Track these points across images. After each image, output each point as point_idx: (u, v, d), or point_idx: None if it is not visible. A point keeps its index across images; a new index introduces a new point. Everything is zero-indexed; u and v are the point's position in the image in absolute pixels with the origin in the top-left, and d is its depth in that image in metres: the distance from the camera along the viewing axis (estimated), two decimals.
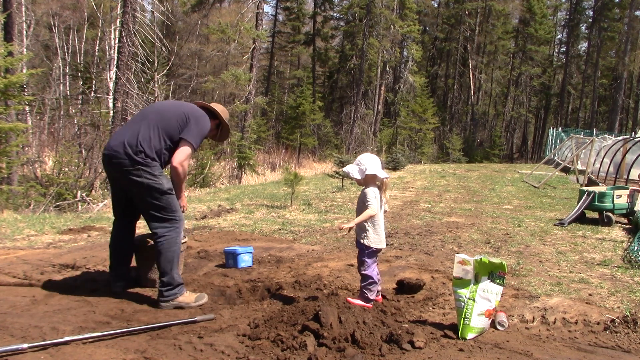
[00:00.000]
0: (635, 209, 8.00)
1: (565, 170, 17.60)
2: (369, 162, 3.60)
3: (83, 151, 15.99)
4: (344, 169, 3.79)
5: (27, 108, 19.23)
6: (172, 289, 3.57)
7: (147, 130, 3.53)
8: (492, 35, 41.10)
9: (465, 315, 3.16)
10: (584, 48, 45.61)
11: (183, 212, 3.86)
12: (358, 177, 3.62)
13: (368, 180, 3.62)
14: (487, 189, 13.07)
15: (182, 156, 3.59)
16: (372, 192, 3.59)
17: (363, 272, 3.64)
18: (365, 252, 3.65)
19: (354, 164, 3.69)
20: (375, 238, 3.65)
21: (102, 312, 3.39)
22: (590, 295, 4.22)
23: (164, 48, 15.66)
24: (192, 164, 17.94)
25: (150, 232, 3.68)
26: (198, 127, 3.65)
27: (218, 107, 3.96)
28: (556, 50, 49.60)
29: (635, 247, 5.93)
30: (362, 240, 3.65)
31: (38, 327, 3.00)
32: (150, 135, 3.53)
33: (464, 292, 3.20)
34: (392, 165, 18.27)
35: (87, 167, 14.79)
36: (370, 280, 3.63)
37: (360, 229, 3.66)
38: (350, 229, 3.57)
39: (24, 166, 14.10)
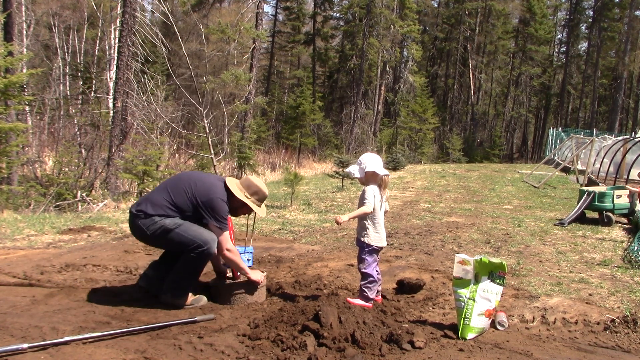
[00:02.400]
0: (635, 209, 8.00)
1: (565, 170, 17.60)
2: (369, 160, 3.65)
3: (83, 151, 15.99)
4: (347, 169, 3.86)
5: (27, 108, 19.22)
6: (182, 296, 3.63)
7: (157, 194, 3.64)
8: (492, 35, 41.06)
9: (465, 315, 3.16)
10: (584, 48, 45.65)
11: (260, 285, 3.82)
12: (359, 175, 3.68)
13: (368, 178, 3.67)
14: (487, 189, 13.07)
15: (223, 245, 3.61)
16: (370, 190, 3.63)
17: (363, 270, 3.65)
18: (365, 250, 3.67)
19: (356, 163, 3.75)
20: (376, 236, 3.67)
21: (102, 312, 3.39)
22: (590, 295, 4.22)
23: (164, 48, 15.67)
24: (192, 164, 17.95)
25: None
26: (217, 210, 3.58)
27: (238, 185, 3.77)
28: (556, 50, 49.60)
29: (635, 247, 5.93)
30: (362, 238, 3.67)
31: (38, 327, 3.00)
32: (158, 198, 3.61)
33: (464, 292, 3.20)
34: (392, 165, 18.27)
35: (87, 167, 14.79)
36: (371, 278, 3.63)
37: (361, 227, 3.69)
38: (343, 222, 3.59)
39: (24, 166, 14.10)
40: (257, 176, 19.05)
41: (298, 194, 9.85)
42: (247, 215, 4.05)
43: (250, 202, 3.73)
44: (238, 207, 3.78)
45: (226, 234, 3.64)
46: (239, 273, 3.80)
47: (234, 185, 3.72)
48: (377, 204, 3.65)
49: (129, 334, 2.98)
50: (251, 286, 3.77)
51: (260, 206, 3.82)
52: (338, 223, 3.57)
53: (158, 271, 3.78)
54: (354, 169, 3.71)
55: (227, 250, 3.64)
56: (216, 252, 3.61)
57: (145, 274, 3.84)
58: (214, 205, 3.56)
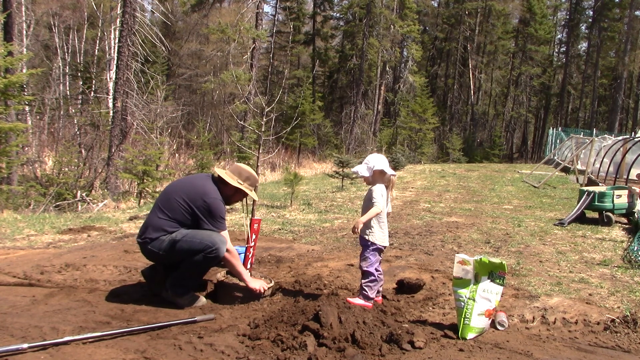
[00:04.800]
0: (635, 209, 8.00)
1: (565, 170, 17.59)
2: (376, 160, 3.67)
3: (83, 151, 15.99)
4: (353, 168, 3.86)
5: (27, 108, 19.23)
6: (184, 295, 3.65)
7: (153, 216, 3.67)
8: (492, 35, 41.05)
9: (465, 315, 3.16)
10: (584, 48, 45.64)
11: (264, 295, 3.78)
12: (366, 174, 3.69)
13: (376, 177, 3.68)
14: (487, 189, 13.07)
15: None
16: (378, 190, 3.63)
17: (365, 268, 3.65)
18: (369, 249, 3.67)
19: (362, 163, 3.75)
20: (381, 235, 3.67)
21: (102, 312, 3.39)
22: (590, 295, 4.22)
23: (163, 48, 15.68)
24: (192, 164, 17.94)
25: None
26: (215, 211, 3.62)
27: (228, 173, 3.78)
28: (556, 50, 49.58)
29: (635, 247, 5.93)
30: (366, 237, 3.67)
31: (38, 327, 2.99)
32: (155, 220, 3.64)
33: (464, 292, 3.20)
34: (392, 165, 18.21)
35: (87, 167, 14.80)
36: (372, 277, 3.63)
37: (366, 225, 3.69)
38: (359, 229, 3.62)
39: (24, 166, 14.11)
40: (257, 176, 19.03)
41: (298, 194, 9.85)
42: (240, 201, 4.10)
43: (244, 187, 3.79)
44: (231, 195, 3.82)
45: (225, 233, 3.68)
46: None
47: (224, 174, 3.78)
48: (384, 204, 3.66)
49: (129, 334, 2.98)
50: (252, 294, 3.73)
51: (252, 191, 3.90)
52: (355, 233, 3.61)
53: (165, 269, 3.82)
54: (361, 168, 3.71)
55: (227, 251, 3.65)
56: (224, 254, 3.61)
57: (153, 265, 3.87)
58: (210, 207, 3.60)
